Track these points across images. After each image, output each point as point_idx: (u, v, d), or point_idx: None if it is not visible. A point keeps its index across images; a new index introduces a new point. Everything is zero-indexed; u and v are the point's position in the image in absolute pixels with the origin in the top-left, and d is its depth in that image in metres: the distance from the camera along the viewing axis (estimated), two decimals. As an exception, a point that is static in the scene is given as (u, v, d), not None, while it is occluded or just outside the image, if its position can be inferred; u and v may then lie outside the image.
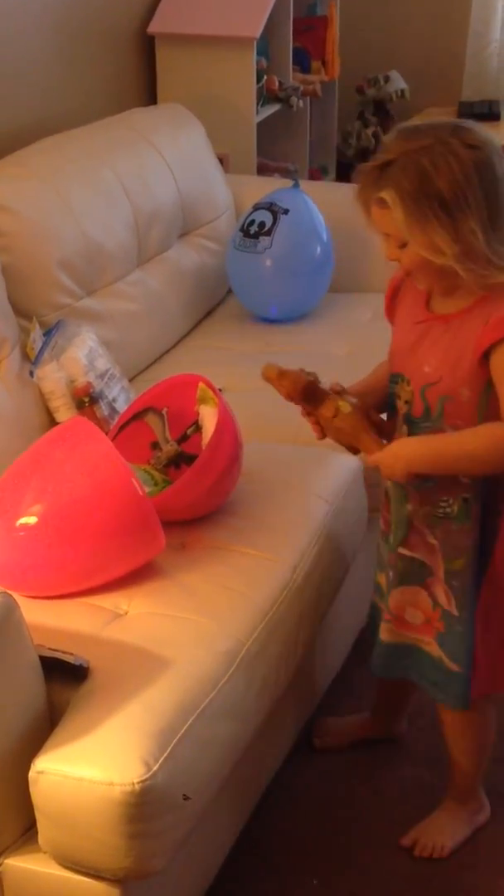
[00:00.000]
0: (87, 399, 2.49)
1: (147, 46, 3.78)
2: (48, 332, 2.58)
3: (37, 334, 2.56)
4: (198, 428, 2.21)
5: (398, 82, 4.83)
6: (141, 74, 3.81)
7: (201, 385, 2.21)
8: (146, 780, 1.57)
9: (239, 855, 2.05)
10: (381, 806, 2.26)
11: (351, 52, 4.74)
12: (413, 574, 2.00)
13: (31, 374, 2.51)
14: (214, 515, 2.19)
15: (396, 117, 4.78)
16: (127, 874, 1.63)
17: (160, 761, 1.60)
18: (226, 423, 2.13)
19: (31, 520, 1.93)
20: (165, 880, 1.74)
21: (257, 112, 3.88)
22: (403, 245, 1.76)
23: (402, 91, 4.82)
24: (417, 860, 2.13)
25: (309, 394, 1.93)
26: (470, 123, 1.75)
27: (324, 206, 3.19)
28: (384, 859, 2.13)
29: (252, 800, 2.10)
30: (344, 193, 3.53)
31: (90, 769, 1.58)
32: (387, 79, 4.82)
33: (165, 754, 1.61)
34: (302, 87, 4.26)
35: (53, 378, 2.49)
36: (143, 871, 1.63)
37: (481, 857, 2.15)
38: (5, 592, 1.62)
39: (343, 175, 4.89)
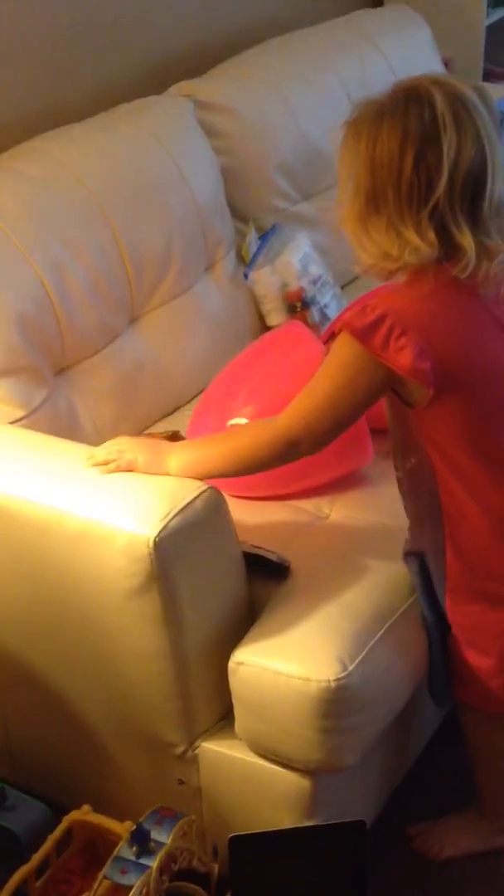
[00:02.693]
0: (298, 304, 2.51)
1: None
2: (264, 236, 2.59)
3: (252, 237, 2.57)
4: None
5: None
6: (369, -25, 3.73)
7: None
8: (342, 678, 1.60)
9: (422, 765, 2.07)
10: None
11: None
12: None
13: (246, 276, 2.53)
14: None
15: None
16: (318, 767, 1.67)
17: (356, 662, 1.63)
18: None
19: (242, 420, 1.96)
20: (355, 777, 1.78)
21: (487, 14, 3.75)
22: None
23: None
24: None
25: None
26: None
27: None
28: None
29: (442, 712, 2.11)
30: None
31: (288, 664, 1.63)
32: None
33: (361, 656, 1.64)
34: (535, -11, 4.10)
35: (267, 282, 2.51)
36: (334, 766, 1.68)
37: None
38: (213, 487, 1.66)
39: None
